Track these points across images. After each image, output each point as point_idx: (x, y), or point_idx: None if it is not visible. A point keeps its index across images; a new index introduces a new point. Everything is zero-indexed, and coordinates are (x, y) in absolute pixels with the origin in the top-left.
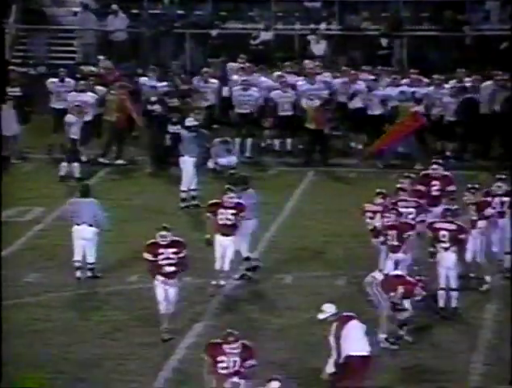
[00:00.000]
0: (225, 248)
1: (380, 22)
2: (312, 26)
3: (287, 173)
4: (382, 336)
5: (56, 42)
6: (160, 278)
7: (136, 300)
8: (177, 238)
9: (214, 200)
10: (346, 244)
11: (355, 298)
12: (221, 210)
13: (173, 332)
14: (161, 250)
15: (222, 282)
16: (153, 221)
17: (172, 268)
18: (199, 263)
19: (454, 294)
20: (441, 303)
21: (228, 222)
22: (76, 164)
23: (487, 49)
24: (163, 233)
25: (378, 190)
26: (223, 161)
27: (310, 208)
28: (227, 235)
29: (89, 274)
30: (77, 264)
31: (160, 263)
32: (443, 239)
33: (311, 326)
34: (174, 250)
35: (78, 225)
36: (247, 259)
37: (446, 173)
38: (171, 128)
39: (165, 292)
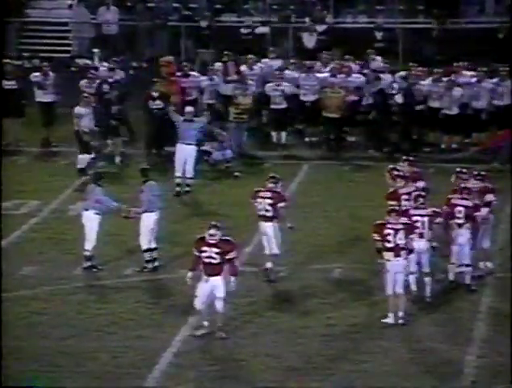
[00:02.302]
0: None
1: (376, 15)
2: (307, 19)
3: (282, 166)
4: (401, 314)
5: (50, 35)
6: (203, 276)
7: (131, 293)
8: (227, 238)
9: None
10: (341, 237)
11: (350, 290)
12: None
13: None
14: (204, 248)
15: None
16: None
17: (214, 267)
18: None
19: (467, 270)
20: (451, 277)
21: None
22: (82, 156)
23: (482, 42)
24: (211, 231)
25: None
26: (218, 155)
27: (305, 202)
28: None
29: (83, 264)
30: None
31: (203, 260)
32: (459, 215)
33: (306, 318)
34: (219, 250)
35: (86, 210)
36: (147, 250)
37: (414, 171)
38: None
39: (205, 288)
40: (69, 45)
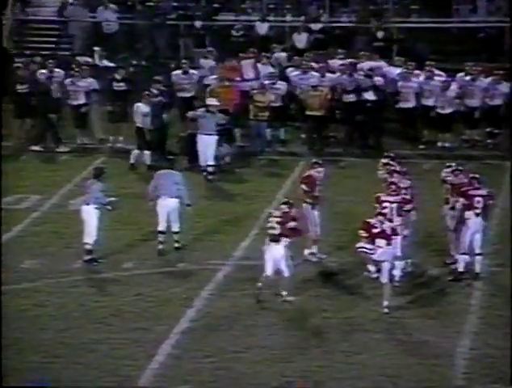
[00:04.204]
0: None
1: (370, 15)
2: (303, 18)
3: (279, 162)
4: (385, 303)
5: (51, 33)
6: (267, 242)
7: (130, 286)
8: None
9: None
10: (336, 231)
11: (344, 284)
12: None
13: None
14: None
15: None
16: (147, 208)
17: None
18: (192, 249)
19: (478, 259)
20: (461, 267)
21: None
22: (147, 152)
23: (474, 41)
24: (283, 206)
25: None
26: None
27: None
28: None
29: (84, 257)
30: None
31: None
32: (477, 205)
33: (301, 311)
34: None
35: (86, 205)
36: (176, 233)
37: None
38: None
39: (272, 255)
40: (69, 43)
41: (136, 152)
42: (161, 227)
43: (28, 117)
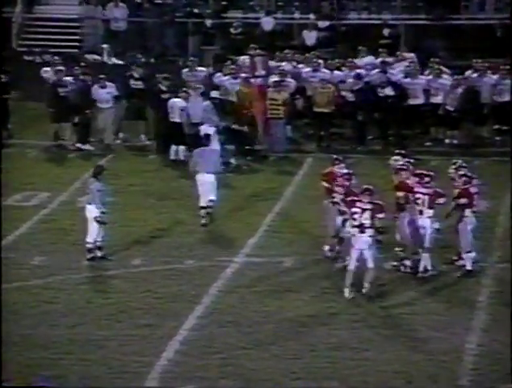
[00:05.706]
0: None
1: (379, 12)
2: (311, 15)
3: (287, 159)
4: (366, 285)
5: (61, 31)
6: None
7: (139, 283)
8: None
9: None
10: None
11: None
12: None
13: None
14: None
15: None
16: (156, 206)
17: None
18: (200, 246)
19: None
20: (468, 266)
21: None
22: (182, 147)
23: (483, 38)
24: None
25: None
26: None
27: (309, 194)
28: None
29: (86, 255)
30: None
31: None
32: (475, 203)
33: (308, 307)
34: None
35: (88, 204)
36: (211, 200)
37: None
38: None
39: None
40: (79, 41)
41: (182, 148)
42: (202, 203)
43: (72, 118)
